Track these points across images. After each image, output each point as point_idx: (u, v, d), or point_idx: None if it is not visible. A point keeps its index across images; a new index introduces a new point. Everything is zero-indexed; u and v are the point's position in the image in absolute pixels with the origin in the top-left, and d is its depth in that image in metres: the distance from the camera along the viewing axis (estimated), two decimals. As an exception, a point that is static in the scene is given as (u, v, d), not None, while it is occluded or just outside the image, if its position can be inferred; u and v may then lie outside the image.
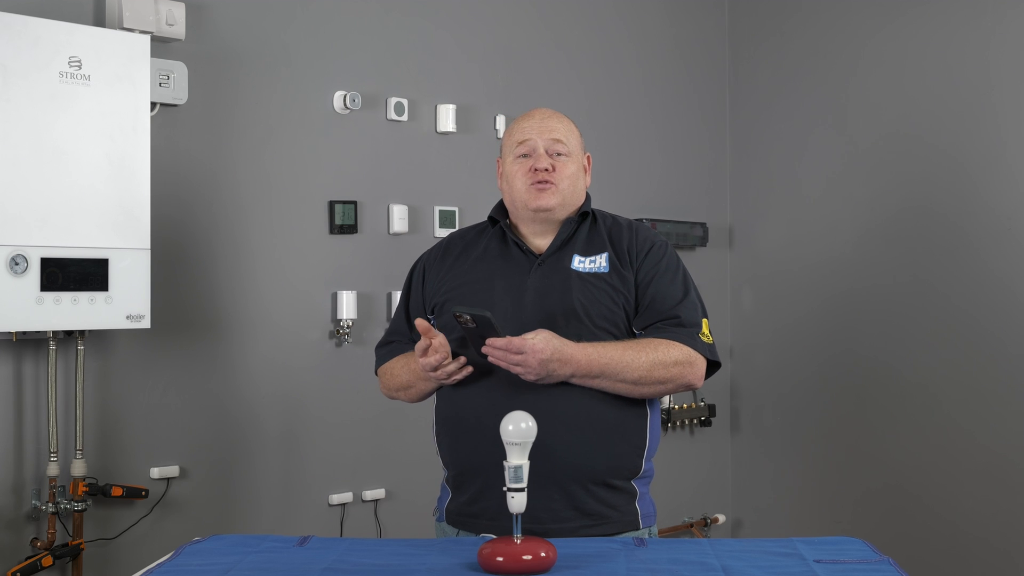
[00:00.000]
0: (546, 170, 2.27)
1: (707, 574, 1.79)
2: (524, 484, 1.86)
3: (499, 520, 2.13)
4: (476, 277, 2.32)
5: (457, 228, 3.81)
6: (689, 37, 4.66)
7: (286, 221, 3.49)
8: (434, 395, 2.37)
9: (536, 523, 1.90)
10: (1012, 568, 3.82)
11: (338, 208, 3.57)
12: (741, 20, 4.72)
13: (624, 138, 4.40)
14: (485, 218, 2.43)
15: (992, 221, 3.88)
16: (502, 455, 1.87)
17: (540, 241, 2.33)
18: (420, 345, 2.20)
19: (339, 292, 3.57)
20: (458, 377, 2.21)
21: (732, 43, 4.75)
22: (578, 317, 2.21)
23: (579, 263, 2.27)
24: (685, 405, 4.53)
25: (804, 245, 4.47)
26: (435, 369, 2.19)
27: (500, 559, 1.80)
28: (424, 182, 3.81)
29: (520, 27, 4.11)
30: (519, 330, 2.15)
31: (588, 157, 2.39)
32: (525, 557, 1.80)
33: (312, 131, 3.54)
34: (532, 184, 2.27)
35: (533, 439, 1.86)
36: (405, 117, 3.72)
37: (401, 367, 2.38)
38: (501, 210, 2.39)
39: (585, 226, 2.34)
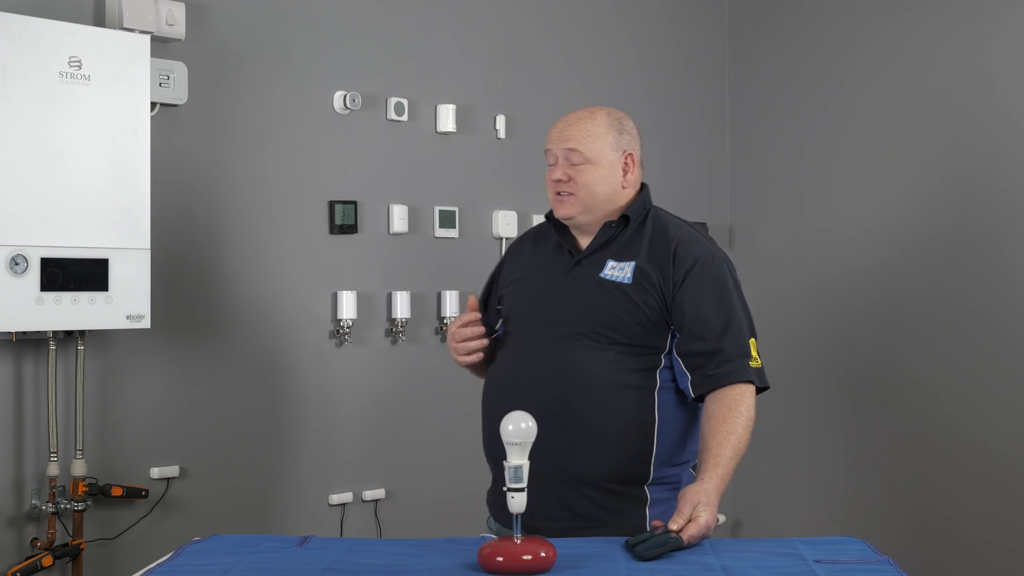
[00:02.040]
0: (559, 180, 2.28)
1: (707, 574, 1.79)
2: (524, 484, 1.86)
3: (502, 510, 2.13)
4: (525, 274, 2.38)
5: (457, 228, 3.82)
6: (689, 37, 4.66)
7: (286, 221, 3.49)
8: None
9: (529, 519, 1.91)
10: (1012, 568, 3.82)
11: (338, 208, 3.57)
12: (741, 20, 4.72)
13: (624, 138, 4.39)
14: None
15: (993, 221, 3.88)
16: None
17: (585, 242, 2.35)
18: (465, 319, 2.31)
19: (339, 292, 3.57)
20: (474, 346, 2.29)
21: (732, 43, 4.75)
22: (583, 322, 2.22)
23: (610, 269, 2.26)
24: (685, 405, 4.52)
25: (804, 245, 4.47)
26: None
27: (500, 559, 1.80)
28: (424, 182, 3.80)
29: (520, 27, 4.11)
30: (536, 329, 2.23)
31: (630, 155, 2.34)
32: (525, 557, 1.80)
33: (312, 131, 3.54)
34: (555, 193, 2.31)
35: (533, 439, 1.86)
36: (405, 117, 3.72)
37: None
38: None
39: (629, 229, 2.30)
